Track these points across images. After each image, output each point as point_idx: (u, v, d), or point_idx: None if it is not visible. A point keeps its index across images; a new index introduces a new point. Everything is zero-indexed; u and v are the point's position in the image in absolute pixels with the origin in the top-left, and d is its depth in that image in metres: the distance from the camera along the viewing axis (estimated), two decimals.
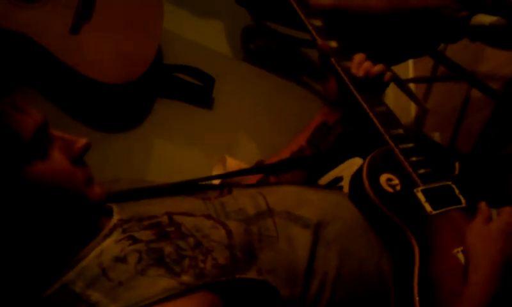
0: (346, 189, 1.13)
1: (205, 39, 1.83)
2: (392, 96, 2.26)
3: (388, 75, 1.19)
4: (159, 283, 0.77)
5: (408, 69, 2.26)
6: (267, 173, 1.18)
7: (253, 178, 1.19)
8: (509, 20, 1.36)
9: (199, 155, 1.68)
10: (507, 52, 1.75)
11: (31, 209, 0.78)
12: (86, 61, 1.42)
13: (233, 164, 1.51)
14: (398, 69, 1.89)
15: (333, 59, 1.21)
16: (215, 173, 1.49)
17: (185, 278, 0.78)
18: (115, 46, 1.48)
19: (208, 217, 0.91)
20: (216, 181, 1.22)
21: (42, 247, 0.80)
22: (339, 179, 1.21)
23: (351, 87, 1.17)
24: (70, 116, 1.48)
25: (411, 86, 2.15)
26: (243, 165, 1.44)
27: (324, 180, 1.25)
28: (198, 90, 1.71)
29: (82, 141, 0.83)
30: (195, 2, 1.88)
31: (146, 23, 1.55)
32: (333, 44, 1.24)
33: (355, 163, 1.20)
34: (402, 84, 1.93)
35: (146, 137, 1.63)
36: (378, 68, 1.17)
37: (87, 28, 1.45)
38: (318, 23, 1.28)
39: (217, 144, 1.72)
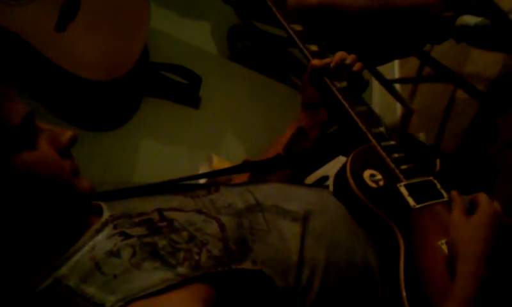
0: (332, 188, 1.13)
1: (191, 37, 1.83)
2: (378, 97, 2.28)
3: (357, 65, 1.19)
4: (155, 274, 0.78)
5: (394, 70, 2.27)
6: (252, 171, 1.18)
7: (241, 178, 1.19)
8: (493, 21, 1.37)
9: (185, 154, 1.68)
10: (492, 53, 1.76)
11: (20, 198, 0.78)
12: (71, 58, 1.42)
13: (219, 163, 1.51)
14: (384, 69, 1.90)
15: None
16: (201, 171, 1.49)
17: (181, 270, 0.79)
18: (101, 43, 1.47)
19: (199, 212, 0.93)
20: (202, 181, 1.22)
21: (32, 239, 0.80)
22: (325, 178, 1.22)
23: (333, 89, 1.18)
24: (54, 115, 1.47)
25: (397, 86, 2.16)
26: (229, 164, 1.44)
27: (310, 179, 1.25)
28: (184, 89, 1.71)
29: (69, 133, 0.85)
30: (182, 1, 1.88)
31: (132, 21, 1.55)
32: (314, 48, 1.26)
33: (340, 162, 1.21)
34: (388, 84, 1.94)
35: (132, 136, 1.63)
36: (351, 58, 1.18)
37: (73, 26, 1.44)
38: (298, 28, 1.30)
39: (204, 143, 1.72)
